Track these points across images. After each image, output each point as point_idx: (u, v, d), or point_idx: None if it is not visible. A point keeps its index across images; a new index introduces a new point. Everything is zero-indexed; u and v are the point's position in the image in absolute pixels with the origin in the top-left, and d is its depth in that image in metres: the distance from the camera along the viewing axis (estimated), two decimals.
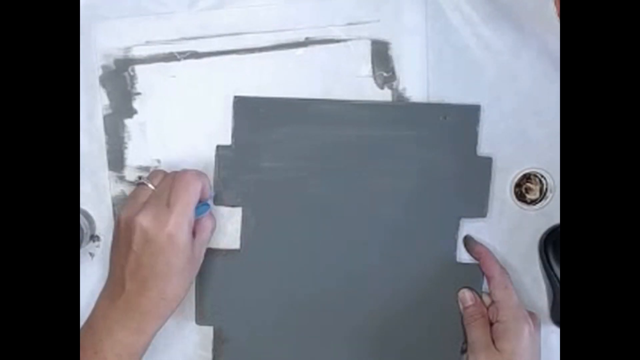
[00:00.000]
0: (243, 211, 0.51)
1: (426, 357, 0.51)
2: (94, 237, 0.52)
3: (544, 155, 0.52)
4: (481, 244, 0.51)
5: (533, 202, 0.52)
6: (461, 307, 0.50)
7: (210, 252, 0.50)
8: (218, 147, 0.50)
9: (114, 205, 0.51)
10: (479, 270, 0.51)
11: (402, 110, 0.50)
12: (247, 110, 0.50)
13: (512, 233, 0.52)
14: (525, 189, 0.52)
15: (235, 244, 0.51)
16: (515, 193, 0.52)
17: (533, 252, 0.52)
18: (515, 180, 0.52)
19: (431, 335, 0.51)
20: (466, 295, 0.50)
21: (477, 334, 0.48)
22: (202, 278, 0.51)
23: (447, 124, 0.50)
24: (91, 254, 0.52)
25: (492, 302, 0.49)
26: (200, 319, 0.51)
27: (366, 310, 0.51)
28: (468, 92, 0.51)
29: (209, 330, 0.52)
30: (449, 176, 0.50)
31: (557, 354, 0.52)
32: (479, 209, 0.51)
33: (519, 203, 0.52)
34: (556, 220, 0.52)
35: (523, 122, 0.51)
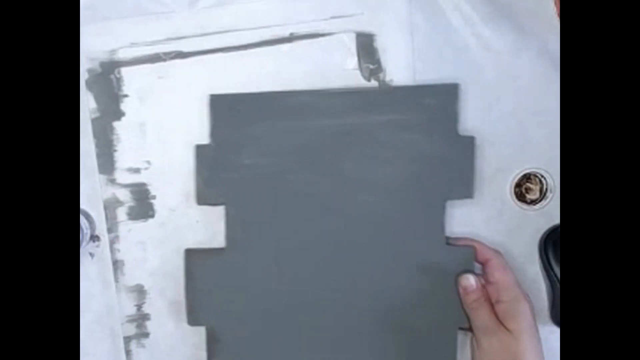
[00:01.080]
0: (226, 209, 0.50)
1: (422, 341, 0.51)
2: (94, 237, 0.52)
3: (544, 155, 0.51)
4: (464, 238, 0.51)
5: (533, 202, 0.52)
6: (462, 291, 0.49)
7: (197, 253, 0.50)
8: (197, 146, 0.50)
9: (105, 208, 0.51)
10: (470, 251, 0.50)
11: (379, 95, 0.50)
12: (224, 108, 0.50)
13: (512, 233, 0.52)
14: (525, 189, 0.52)
15: (221, 243, 0.51)
16: (515, 193, 0.52)
17: (533, 252, 0.52)
18: (515, 180, 0.52)
19: (426, 318, 0.51)
20: (471, 280, 0.49)
21: (485, 317, 0.48)
22: (190, 279, 0.51)
23: (426, 105, 0.49)
24: (91, 254, 0.52)
25: (489, 283, 0.49)
26: (192, 320, 0.51)
27: (357, 300, 0.51)
28: (468, 92, 0.51)
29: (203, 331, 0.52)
30: (432, 158, 0.50)
31: (557, 354, 0.52)
32: (465, 190, 0.50)
33: (519, 203, 0.52)
34: (556, 220, 0.52)
35: (523, 122, 0.51)
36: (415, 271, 0.50)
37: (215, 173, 0.50)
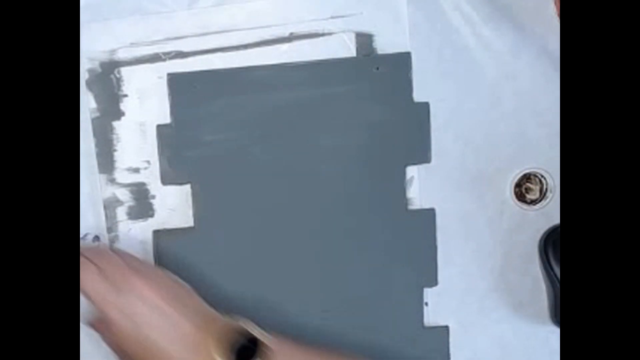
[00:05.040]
0: (192, 187, 0.51)
1: (387, 306, 0.52)
2: (94, 237, 0.52)
3: (544, 155, 0.52)
4: None
5: (533, 202, 0.52)
6: None
7: (165, 233, 0.51)
8: (158, 126, 0.50)
9: (105, 207, 0.51)
10: (432, 216, 0.51)
11: (334, 67, 0.50)
12: (182, 86, 0.50)
13: (512, 233, 0.52)
14: (525, 189, 0.52)
15: (189, 222, 0.51)
16: (515, 193, 0.52)
17: (533, 252, 0.52)
18: (515, 180, 0.52)
19: (391, 283, 0.52)
20: None
21: None
22: (160, 261, 0.51)
23: (380, 75, 0.50)
24: None
25: None
26: None
27: (325, 268, 0.51)
28: (468, 92, 0.51)
29: None
30: (389, 126, 0.51)
31: (557, 354, 0.52)
32: (423, 155, 0.51)
33: (519, 203, 0.52)
34: (556, 220, 0.52)
35: (523, 122, 0.51)
36: (379, 235, 0.51)
37: (178, 152, 0.50)
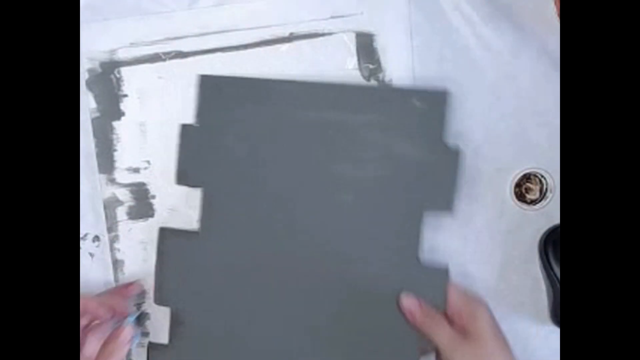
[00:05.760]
0: (203, 192, 0.50)
1: (383, 354, 0.50)
2: (94, 237, 0.52)
3: (544, 155, 0.51)
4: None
5: (533, 202, 0.52)
6: (409, 313, 0.47)
7: (170, 232, 0.50)
8: (182, 126, 0.50)
9: (105, 208, 0.51)
10: (444, 272, 0.48)
11: (367, 94, 0.49)
12: (211, 89, 0.50)
13: (512, 233, 0.52)
14: (525, 189, 0.52)
15: (190, 223, 0.51)
16: (515, 193, 0.52)
17: (533, 252, 0.52)
18: (515, 180, 0.52)
19: (387, 332, 0.49)
20: (412, 297, 0.47)
21: (444, 332, 0.46)
22: (161, 258, 0.50)
23: (414, 110, 0.48)
24: (91, 254, 0.52)
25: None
26: (158, 299, 0.51)
27: (324, 295, 0.50)
28: (468, 92, 0.51)
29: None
30: (413, 165, 0.48)
31: (557, 354, 0.52)
32: (445, 203, 0.48)
33: (519, 203, 0.52)
34: (556, 220, 0.52)
35: (523, 122, 0.51)
36: (383, 282, 0.49)
37: (197, 154, 0.50)
